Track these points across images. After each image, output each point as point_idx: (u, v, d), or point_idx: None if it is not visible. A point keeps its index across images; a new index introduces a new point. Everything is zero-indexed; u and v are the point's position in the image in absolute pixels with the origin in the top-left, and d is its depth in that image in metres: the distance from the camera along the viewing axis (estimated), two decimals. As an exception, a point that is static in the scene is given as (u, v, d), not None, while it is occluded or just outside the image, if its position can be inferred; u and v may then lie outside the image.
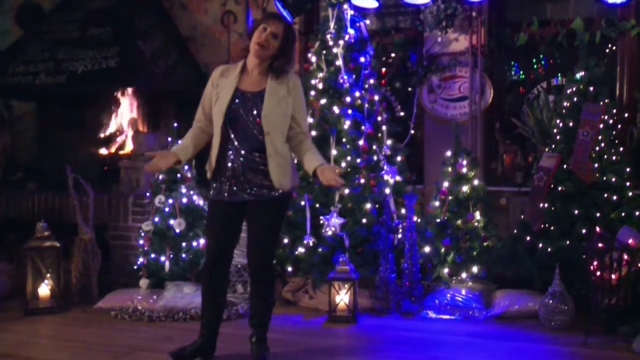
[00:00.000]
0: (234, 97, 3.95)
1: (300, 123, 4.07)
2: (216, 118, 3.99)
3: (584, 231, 5.07)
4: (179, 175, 5.71)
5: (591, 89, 5.28)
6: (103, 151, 6.74)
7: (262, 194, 3.97)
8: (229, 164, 3.97)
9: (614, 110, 5.45)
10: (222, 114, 3.93)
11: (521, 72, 6.73)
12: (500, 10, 6.52)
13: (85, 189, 5.81)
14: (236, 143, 3.95)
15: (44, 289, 5.37)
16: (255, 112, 3.93)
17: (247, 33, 4.07)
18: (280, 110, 3.96)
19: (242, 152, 3.95)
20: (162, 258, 5.54)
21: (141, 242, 5.65)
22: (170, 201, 5.62)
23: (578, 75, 5.37)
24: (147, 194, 5.90)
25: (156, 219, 5.60)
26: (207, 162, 4.12)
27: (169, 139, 5.76)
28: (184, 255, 5.58)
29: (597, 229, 4.97)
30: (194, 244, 5.61)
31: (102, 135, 6.80)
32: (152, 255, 5.56)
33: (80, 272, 5.65)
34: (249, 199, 3.98)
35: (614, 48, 6.16)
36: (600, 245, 4.70)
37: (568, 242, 5.11)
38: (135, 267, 5.67)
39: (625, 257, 4.62)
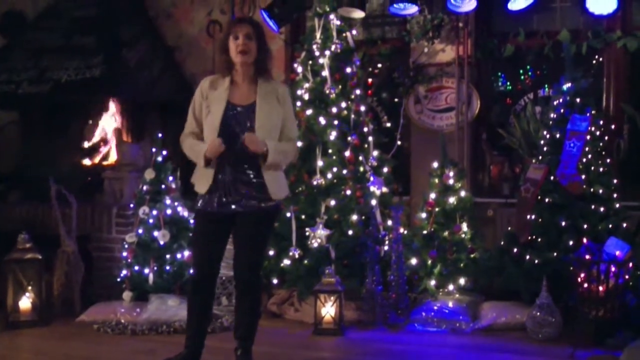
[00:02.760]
0: (227, 110, 3.96)
1: (287, 132, 4.11)
2: (209, 131, 3.98)
3: (571, 243, 5.08)
4: (163, 186, 5.69)
5: (578, 100, 5.30)
6: (87, 161, 6.71)
7: (252, 205, 3.98)
8: (220, 176, 3.97)
9: (601, 122, 5.47)
10: (216, 128, 3.93)
11: (508, 83, 6.76)
12: (486, 21, 6.55)
13: (68, 199, 5.76)
14: (231, 156, 3.94)
15: (25, 302, 5.31)
16: (248, 125, 3.95)
17: (220, 51, 4.06)
18: (272, 122, 4.01)
19: (235, 164, 3.95)
20: (146, 270, 5.50)
21: (125, 254, 5.62)
22: (155, 212, 5.59)
23: (565, 87, 5.38)
24: (131, 205, 5.87)
25: (140, 231, 5.57)
26: (193, 175, 4.12)
27: (153, 149, 5.73)
28: (168, 268, 5.54)
29: (585, 240, 4.98)
30: (179, 256, 5.58)
31: (85, 145, 6.76)
32: (136, 268, 5.52)
33: (63, 285, 5.60)
34: (239, 210, 3.98)
35: (600, 59, 6.19)
36: (587, 256, 4.71)
37: (555, 253, 5.11)
38: (118, 279, 5.63)
39: (613, 268, 4.64)
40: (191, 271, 4.35)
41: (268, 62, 4.11)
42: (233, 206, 3.97)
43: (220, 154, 3.91)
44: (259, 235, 4.07)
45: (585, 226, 5.12)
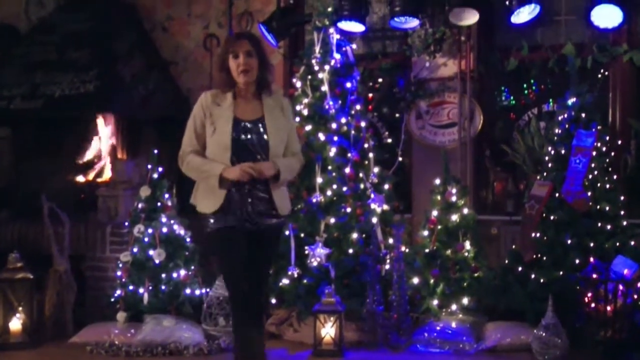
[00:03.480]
0: (235, 127, 3.88)
1: (291, 146, 4.08)
2: (218, 150, 3.89)
3: (577, 261, 5.05)
4: (159, 203, 5.67)
5: (583, 115, 5.30)
6: (80, 178, 6.69)
7: (264, 223, 3.94)
8: (235, 193, 3.87)
9: (607, 137, 5.46)
10: (227, 146, 3.85)
11: (511, 98, 6.75)
12: (489, 35, 6.56)
13: (61, 218, 5.75)
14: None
15: (16, 323, 5.28)
16: (258, 141, 3.90)
17: (218, 68, 4.01)
18: (281, 136, 3.98)
19: (248, 182, 3.86)
20: (141, 290, 5.47)
21: (119, 273, 5.58)
22: (150, 231, 5.57)
23: (570, 102, 5.38)
24: (126, 224, 5.83)
25: (135, 249, 5.54)
26: (193, 195, 4.04)
27: (149, 166, 5.72)
28: (163, 287, 5.51)
29: (591, 259, 4.96)
30: (174, 275, 5.55)
31: (79, 162, 6.75)
32: (130, 287, 5.49)
33: (55, 305, 5.56)
34: (255, 228, 3.92)
35: (606, 73, 6.19)
36: (594, 275, 4.69)
37: (561, 272, 5.09)
38: (112, 299, 5.59)
39: (621, 288, 4.61)
40: (231, 302, 4.03)
41: (270, 77, 4.08)
42: (248, 224, 3.90)
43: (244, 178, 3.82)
44: (269, 253, 4.08)
45: (591, 244, 5.10)
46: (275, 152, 3.91)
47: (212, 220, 3.92)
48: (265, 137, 3.90)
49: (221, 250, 3.97)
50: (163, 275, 5.53)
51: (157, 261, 5.50)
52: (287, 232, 5.50)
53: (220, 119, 3.90)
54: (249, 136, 3.89)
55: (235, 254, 3.89)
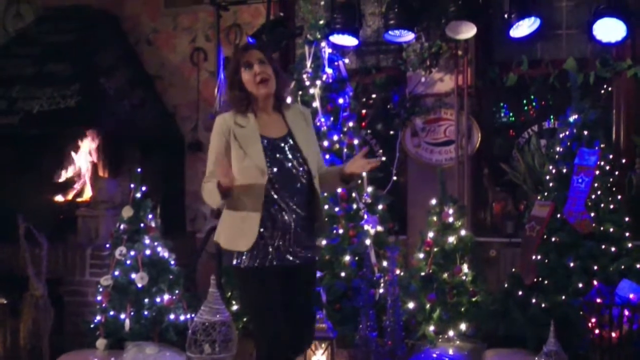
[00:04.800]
0: (267, 147, 3.66)
1: (320, 158, 3.94)
2: (253, 175, 3.60)
3: (580, 285, 5.02)
4: (142, 224, 5.63)
5: (586, 132, 5.29)
6: (59, 198, 6.65)
7: (306, 257, 3.74)
8: (278, 223, 3.62)
9: (611, 156, 5.45)
10: (263, 171, 3.59)
11: (511, 115, 6.77)
12: (487, 49, 6.58)
13: (38, 239, 5.70)
14: (286, 197, 3.64)
15: (-11, 351, 5.23)
16: (298, 157, 3.69)
17: (229, 86, 3.79)
18: (314, 149, 3.83)
19: (293, 206, 3.65)
20: (122, 316, 5.42)
21: (99, 298, 5.53)
22: (132, 253, 5.53)
23: (571, 119, 5.38)
24: (107, 245, 5.80)
25: (116, 273, 5.49)
26: (217, 229, 3.80)
27: (132, 185, 5.69)
28: (146, 313, 5.46)
29: (595, 282, 4.93)
30: (158, 300, 5.50)
31: (58, 180, 6.72)
32: (111, 313, 5.43)
33: (30, 332, 5.50)
34: (296, 263, 3.69)
35: (609, 89, 6.21)
36: (598, 300, 4.66)
37: (563, 297, 5.06)
38: (92, 325, 5.52)
39: (626, 313, 4.58)
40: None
41: (283, 86, 3.84)
42: (290, 258, 3.67)
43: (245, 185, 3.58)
44: (313, 291, 3.87)
45: (595, 267, 5.07)
46: (314, 167, 3.71)
47: (245, 258, 3.65)
48: (299, 153, 3.69)
49: (253, 297, 3.70)
50: (146, 300, 5.48)
51: (139, 285, 5.45)
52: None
53: (248, 140, 3.65)
54: (285, 155, 3.67)
55: (270, 307, 3.63)
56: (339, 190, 5.64)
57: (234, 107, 3.76)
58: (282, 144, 3.70)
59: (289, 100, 5.78)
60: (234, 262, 3.70)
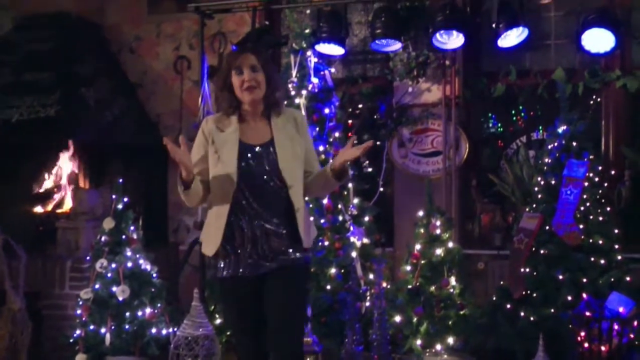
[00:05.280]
0: (242, 153, 3.63)
1: (314, 164, 3.84)
2: (222, 182, 3.60)
3: (569, 298, 5.03)
4: (123, 236, 5.60)
5: (574, 144, 5.31)
6: (38, 209, 6.62)
7: (287, 260, 3.64)
8: (246, 231, 3.60)
9: (600, 168, 5.49)
10: (233, 176, 3.58)
11: (499, 125, 6.79)
12: (475, 59, 6.60)
13: (16, 251, 5.66)
14: (255, 206, 3.60)
15: (-35, 366, 5.18)
16: (270, 166, 3.64)
17: (220, 87, 3.78)
18: (297, 157, 3.71)
19: (263, 215, 3.61)
20: (103, 330, 5.39)
21: (79, 311, 5.50)
22: (114, 266, 5.50)
23: (560, 130, 5.40)
24: (88, 258, 5.77)
25: (97, 286, 5.47)
26: (202, 232, 3.80)
27: (113, 196, 5.66)
28: (127, 327, 5.43)
29: (584, 295, 4.94)
30: (139, 313, 5.47)
31: (37, 191, 6.69)
32: (91, 327, 5.41)
33: (7, 348, 5.46)
34: (272, 267, 3.62)
35: (598, 100, 6.24)
36: (587, 313, 4.67)
37: (552, 310, 5.06)
38: (71, 340, 5.50)
39: (616, 327, 4.59)
40: None
41: (277, 93, 3.78)
42: (266, 264, 3.62)
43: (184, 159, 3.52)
44: (298, 295, 3.70)
45: (584, 280, 5.08)
46: (292, 177, 3.64)
47: (221, 267, 3.69)
48: (274, 160, 3.64)
49: (226, 307, 3.78)
50: (127, 314, 5.46)
51: (120, 298, 5.42)
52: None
53: (225, 145, 3.65)
54: (259, 162, 3.64)
55: (240, 317, 3.70)
56: (325, 201, 5.64)
57: (222, 108, 3.78)
58: (260, 152, 3.66)
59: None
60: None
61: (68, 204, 6.58)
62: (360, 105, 6.81)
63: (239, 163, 3.61)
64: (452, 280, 5.43)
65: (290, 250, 3.65)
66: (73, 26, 7.03)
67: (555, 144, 5.42)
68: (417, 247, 5.52)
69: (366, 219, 5.90)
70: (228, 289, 3.72)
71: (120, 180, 5.73)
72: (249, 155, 3.64)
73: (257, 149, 3.66)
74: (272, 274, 3.63)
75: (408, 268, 5.54)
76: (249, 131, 3.71)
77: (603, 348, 4.60)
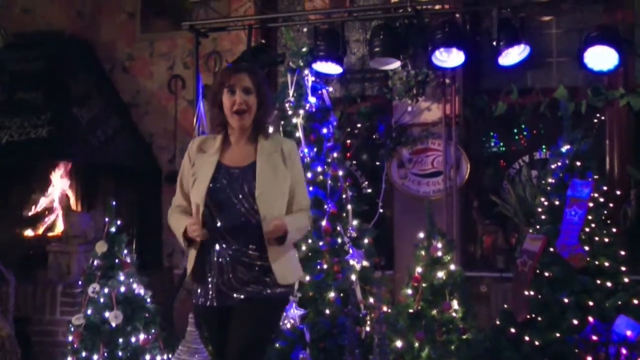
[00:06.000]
0: (217, 175, 3.56)
1: (300, 200, 3.72)
2: (196, 203, 3.56)
3: (575, 322, 5.01)
4: (117, 260, 5.57)
5: (578, 163, 5.31)
6: (28, 232, 6.60)
7: (256, 292, 3.53)
8: (215, 259, 3.55)
9: (605, 188, 5.47)
10: (202, 197, 3.52)
11: (501, 145, 6.80)
12: (476, 78, 6.64)
13: (5, 276, 5.66)
14: (224, 232, 3.53)
15: (-47, 395, 5.14)
16: (246, 191, 3.53)
17: (210, 103, 3.75)
18: (277, 187, 3.59)
19: (232, 244, 3.53)
20: (95, 357, 5.33)
21: (70, 338, 5.45)
22: (106, 290, 5.46)
23: (563, 149, 5.40)
24: (79, 282, 5.73)
25: (89, 311, 5.42)
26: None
27: (106, 219, 5.64)
28: (120, 353, 5.38)
29: (590, 319, 4.92)
30: (133, 339, 5.43)
31: (28, 214, 6.67)
32: (83, 354, 5.35)
33: (-3, 375, 5.45)
34: (240, 299, 3.53)
35: (602, 118, 6.26)
36: (594, 337, 4.65)
37: (558, 334, 5.04)
38: (62, 367, 5.48)
39: (624, 351, 4.57)
40: None
41: (267, 117, 3.73)
42: (234, 294, 3.53)
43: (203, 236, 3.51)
44: (263, 326, 3.58)
45: (590, 303, 5.06)
46: (265, 206, 3.52)
47: (196, 295, 3.66)
48: (252, 185, 3.53)
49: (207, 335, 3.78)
50: (120, 340, 5.41)
51: (113, 324, 5.38)
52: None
53: (203, 167, 3.61)
54: (233, 186, 3.54)
55: (215, 346, 3.68)
56: (324, 223, 5.62)
57: (211, 125, 3.77)
58: (237, 174, 3.58)
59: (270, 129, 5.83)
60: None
61: (59, 227, 6.57)
62: (358, 125, 6.83)
63: (210, 184, 3.54)
64: (454, 304, 5.42)
65: (262, 284, 3.55)
66: (65, 44, 7.08)
67: (559, 164, 5.41)
68: (418, 269, 5.51)
69: (365, 241, 5.88)
70: (200, 316, 3.75)
71: (114, 203, 5.71)
72: (224, 177, 3.57)
73: (235, 171, 3.60)
74: (239, 306, 3.54)
75: (409, 291, 5.53)
76: (232, 153, 3.67)
77: (610, 373, 4.58)
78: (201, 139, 3.76)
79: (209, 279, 3.58)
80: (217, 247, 3.56)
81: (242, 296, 3.52)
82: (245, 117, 3.60)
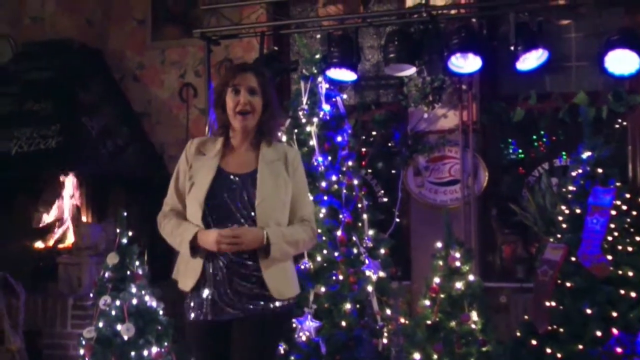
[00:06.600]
0: (216, 181, 3.47)
1: (302, 211, 3.62)
2: (193, 210, 3.49)
3: (598, 334, 4.97)
4: (128, 272, 5.58)
5: (600, 170, 5.28)
6: (39, 244, 6.62)
7: (254, 309, 3.43)
8: (211, 270, 3.46)
9: (627, 195, 5.43)
10: (200, 204, 3.44)
11: (519, 152, 6.78)
12: (493, 83, 6.62)
13: (16, 288, 5.67)
14: None
15: (-37, 410, 5.15)
16: (246, 199, 3.44)
17: (212, 103, 3.68)
18: (278, 197, 3.50)
19: (228, 253, 3.41)
20: (106, 370, 5.36)
21: (81, 351, 5.46)
22: (118, 303, 5.46)
23: (584, 155, 5.37)
24: (90, 295, 5.74)
25: (100, 324, 5.43)
26: (175, 268, 3.72)
27: (117, 230, 5.65)
28: (132, 367, 5.40)
29: (614, 331, 4.88)
30: (145, 353, 5.43)
31: (38, 225, 6.69)
32: (94, 367, 5.38)
33: (7, 390, 5.46)
34: (237, 316, 3.43)
35: (623, 124, 6.22)
36: (618, 350, 4.61)
37: (580, 346, 5.00)
38: (73, 381, 5.48)
39: (649, 364, 4.54)
40: None
41: (273, 122, 3.63)
42: (230, 310, 3.43)
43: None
44: (263, 349, 3.46)
45: (614, 314, 5.02)
46: (264, 215, 3.43)
47: (189, 309, 3.55)
48: (252, 193, 3.44)
49: (193, 351, 3.60)
50: (132, 353, 5.41)
51: (125, 337, 5.38)
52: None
53: (201, 170, 3.52)
54: (232, 193, 3.45)
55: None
56: (339, 233, 5.60)
57: (217, 128, 3.66)
58: (238, 182, 3.50)
59: (284, 137, 5.83)
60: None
61: (70, 239, 6.59)
62: (373, 133, 6.82)
63: (208, 191, 3.46)
64: (473, 315, 5.39)
65: (262, 299, 3.45)
66: (74, 54, 7.11)
67: (580, 171, 5.38)
68: (436, 280, 5.48)
69: (382, 251, 5.86)
70: (194, 335, 3.57)
71: (125, 214, 5.71)
72: (224, 184, 3.48)
73: (235, 178, 3.51)
74: (238, 321, 3.45)
75: (427, 302, 5.50)
76: (232, 158, 3.59)
77: (635, 386, 4.54)
78: (200, 140, 3.67)
79: (203, 291, 3.49)
80: (213, 257, 3.46)
81: (241, 314, 3.43)
82: (249, 118, 3.52)
